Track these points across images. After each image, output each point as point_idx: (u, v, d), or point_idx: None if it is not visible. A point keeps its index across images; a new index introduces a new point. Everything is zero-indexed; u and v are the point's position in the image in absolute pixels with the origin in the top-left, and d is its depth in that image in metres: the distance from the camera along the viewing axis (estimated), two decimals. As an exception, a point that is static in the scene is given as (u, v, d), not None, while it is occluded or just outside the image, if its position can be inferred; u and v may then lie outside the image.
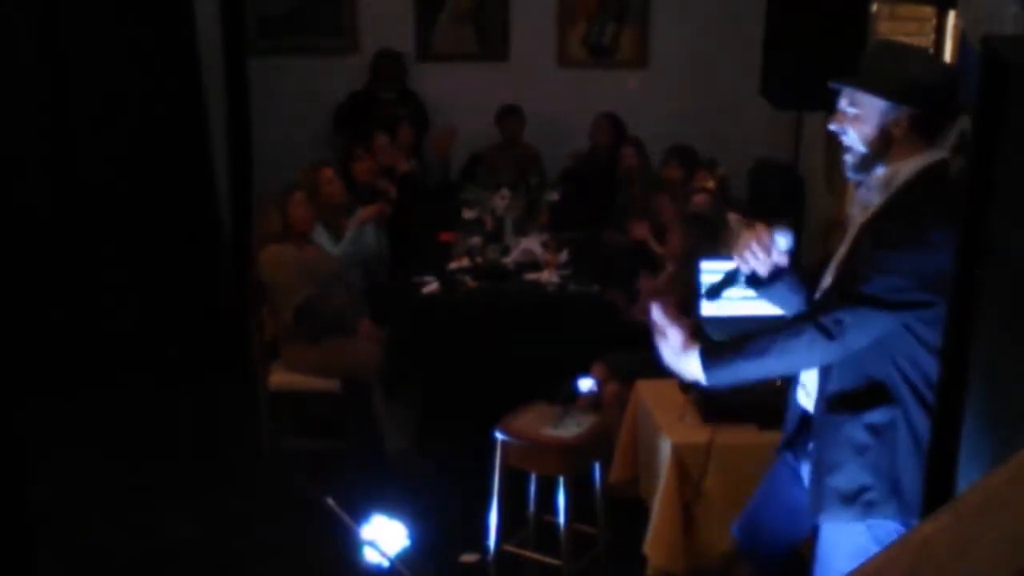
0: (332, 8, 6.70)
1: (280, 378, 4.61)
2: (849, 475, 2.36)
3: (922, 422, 2.28)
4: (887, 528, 2.36)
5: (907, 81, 2.30)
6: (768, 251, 2.46)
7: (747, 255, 2.47)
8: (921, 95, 2.31)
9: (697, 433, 3.34)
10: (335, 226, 5.12)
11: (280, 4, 6.64)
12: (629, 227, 5.39)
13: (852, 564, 2.23)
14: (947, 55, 4.26)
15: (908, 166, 2.34)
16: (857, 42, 4.52)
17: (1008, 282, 1.74)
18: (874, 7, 4.49)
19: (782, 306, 2.60)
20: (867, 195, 2.41)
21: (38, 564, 2.96)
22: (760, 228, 2.47)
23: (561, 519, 3.59)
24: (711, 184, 5.12)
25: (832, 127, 2.42)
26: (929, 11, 4.32)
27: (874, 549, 2.29)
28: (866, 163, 2.37)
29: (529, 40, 6.80)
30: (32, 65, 5.30)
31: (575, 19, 6.83)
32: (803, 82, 4.79)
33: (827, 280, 2.48)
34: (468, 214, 5.80)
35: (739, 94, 6.10)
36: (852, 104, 2.37)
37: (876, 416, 2.32)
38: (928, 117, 2.33)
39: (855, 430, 2.34)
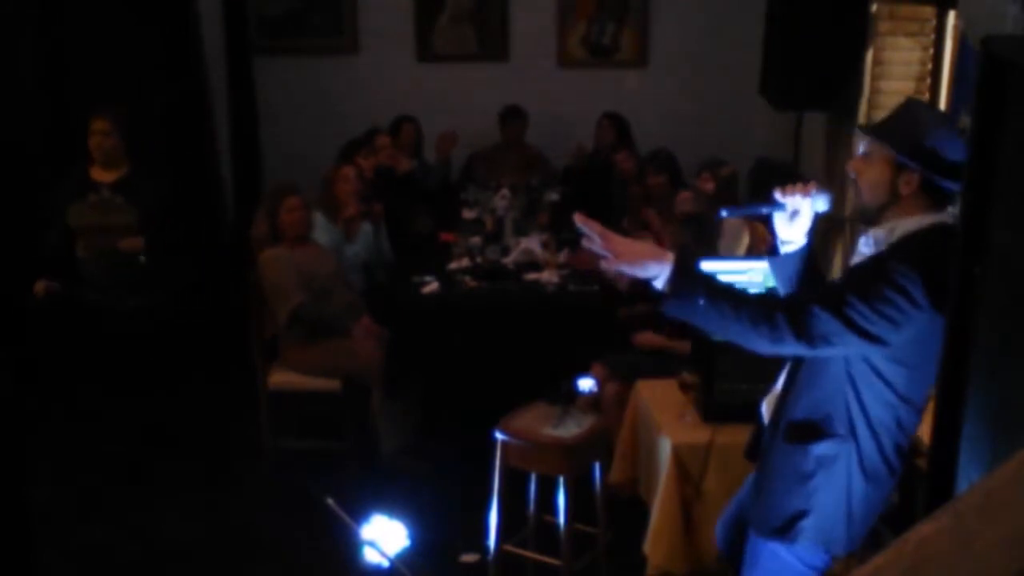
0: (332, 8, 6.69)
1: (280, 378, 4.61)
2: (787, 502, 2.41)
3: (872, 455, 2.36)
4: (812, 551, 2.43)
5: (923, 143, 2.29)
6: (805, 195, 2.49)
7: (788, 192, 2.52)
8: (933, 159, 2.29)
9: (697, 433, 3.34)
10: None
11: (280, 4, 6.64)
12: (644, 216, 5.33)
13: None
14: (947, 55, 4.26)
15: (909, 223, 2.35)
16: (857, 42, 4.52)
17: (1008, 282, 1.74)
18: (874, 7, 4.49)
19: (782, 282, 2.64)
20: (867, 247, 2.44)
21: (38, 564, 2.97)
22: (812, 182, 2.53)
23: (561, 519, 3.58)
24: (711, 185, 5.10)
25: (849, 171, 2.46)
26: (929, 11, 4.32)
27: (795, 566, 2.41)
28: (871, 212, 2.41)
29: (529, 40, 6.79)
30: (32, 64, 5.29)
31: (575, 19, 6.82)
32: (803, 82, 4.80)
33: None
34: (468, 214, 5.80)
35: (739, 94, 6.10)
36: (868, 152, 2.41)
37: (824, 448, 2.37)
38: (938, 182, 2.32)
39: (804, 460, 2.39)
